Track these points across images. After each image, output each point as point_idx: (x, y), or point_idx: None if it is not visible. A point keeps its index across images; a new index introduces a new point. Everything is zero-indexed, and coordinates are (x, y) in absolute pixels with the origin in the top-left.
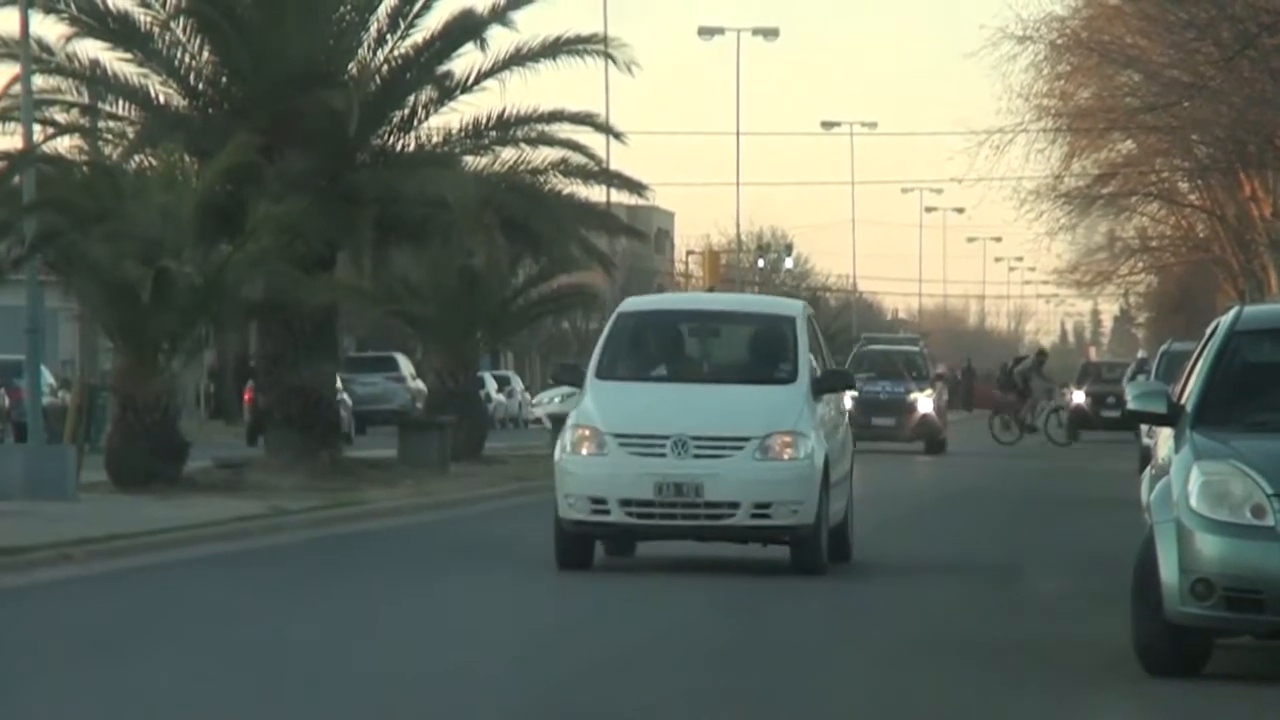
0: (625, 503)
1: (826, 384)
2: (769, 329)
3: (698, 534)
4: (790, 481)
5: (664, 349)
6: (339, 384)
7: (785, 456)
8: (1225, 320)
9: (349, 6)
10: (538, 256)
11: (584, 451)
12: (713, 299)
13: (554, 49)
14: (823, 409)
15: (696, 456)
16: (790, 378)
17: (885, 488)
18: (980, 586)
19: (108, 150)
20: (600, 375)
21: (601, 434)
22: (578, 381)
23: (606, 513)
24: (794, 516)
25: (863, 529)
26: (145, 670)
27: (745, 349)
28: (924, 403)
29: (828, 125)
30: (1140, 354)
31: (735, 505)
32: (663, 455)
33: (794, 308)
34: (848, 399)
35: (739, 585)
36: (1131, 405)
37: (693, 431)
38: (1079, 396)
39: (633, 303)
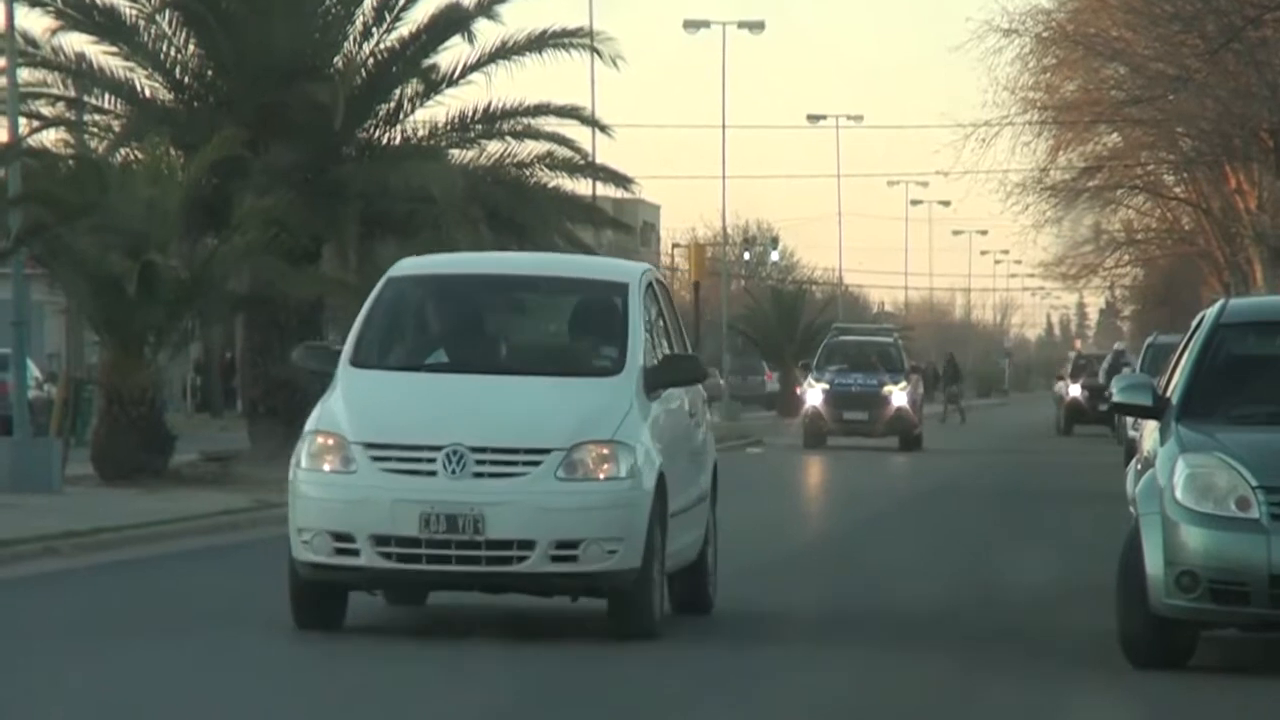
0: (379, 540)
1: (665, 376)
2: (592, 301)
3: (479, 583)
4: (606, 510)
5: (446, 327)
6: None
7: (600, 475)
8: (1210, 313)
9: (334, 0)
10: (523, 249)
11: (324, 468)
12: (518, 260)
13: (540, 42)
14: (660, 410)
15: (478, 476)
16: (615, 367)
17: (860, 485)
18: (962, 581)
19: (93, 144)
20: (356, 361)
21: (348, 444)
22: (328, 367)
23: (355, 553)
24: (611, 559)
25: (846, 529)
26: (130, 664)
27: (557, 328)
28: (898, 396)
29: (813, 118)
30: (1117, 345)
31: (529, 544)
32: (432, 474)
33: (628, 271)
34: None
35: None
36: (1117, 398)
37: (473, 440)
38: (1074, 390)
39: (408, 265)
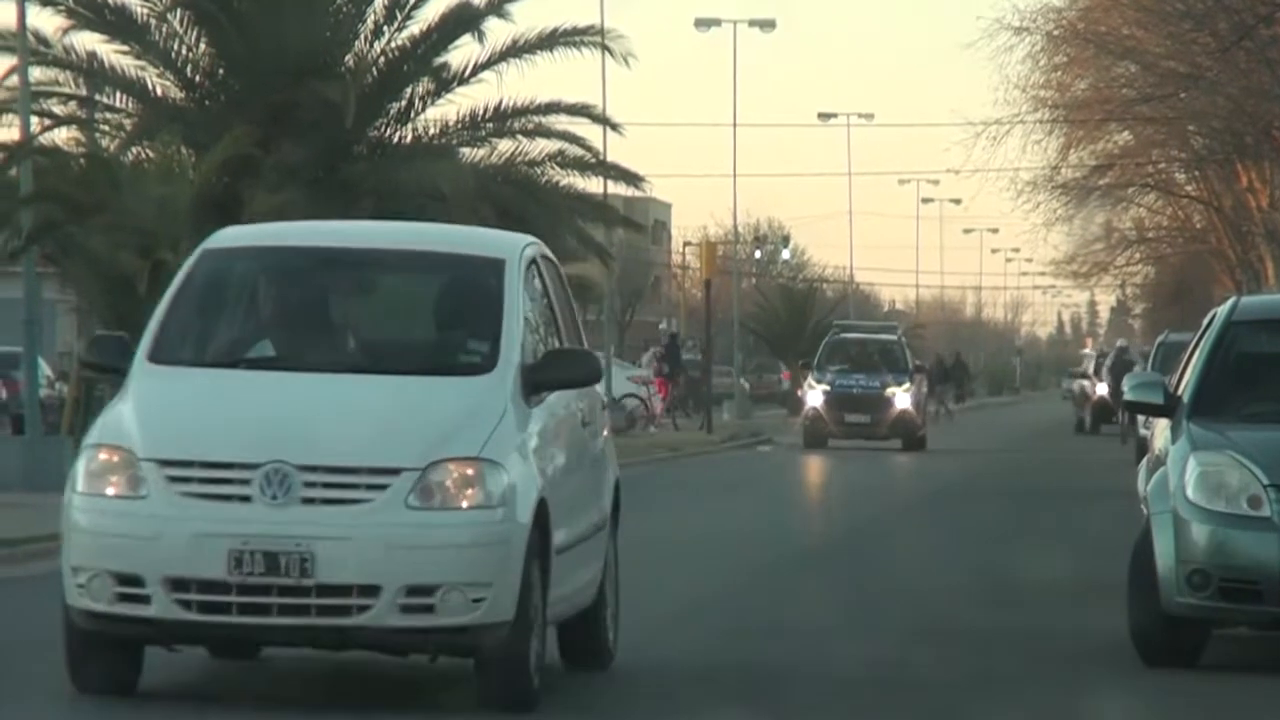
0: (176, 585)
1: (550, 375)
2: (458, 281)
3: (308, 639)
4: (470, 548)
5: (273, 313)
6: None
7: (463, 502)
8: (1222, 311)
9: None
10: None
11: (107, 491)
12: (367, 230)
13: (551, 41)
14: (544, 419)
15: (307, 503)
16: (486, 364)
17: (860, 485)
18: (974, 578)
19: (105, 142)
20: (156, 356)
21: (137, 461)
22: (119, 364)
23: (144, 600)
24: (476, 610)
25: (843, 529)
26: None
27: (415, 315)
28: (901, 398)
29: (824, 116)
30: (1120, 342)
31: (372, 590)
32: (246, 500)
33: (506, 245)
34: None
35: None
36: (1128, 396)
37: (301, 457)
38: (1101, 388)
39: (229, 235)
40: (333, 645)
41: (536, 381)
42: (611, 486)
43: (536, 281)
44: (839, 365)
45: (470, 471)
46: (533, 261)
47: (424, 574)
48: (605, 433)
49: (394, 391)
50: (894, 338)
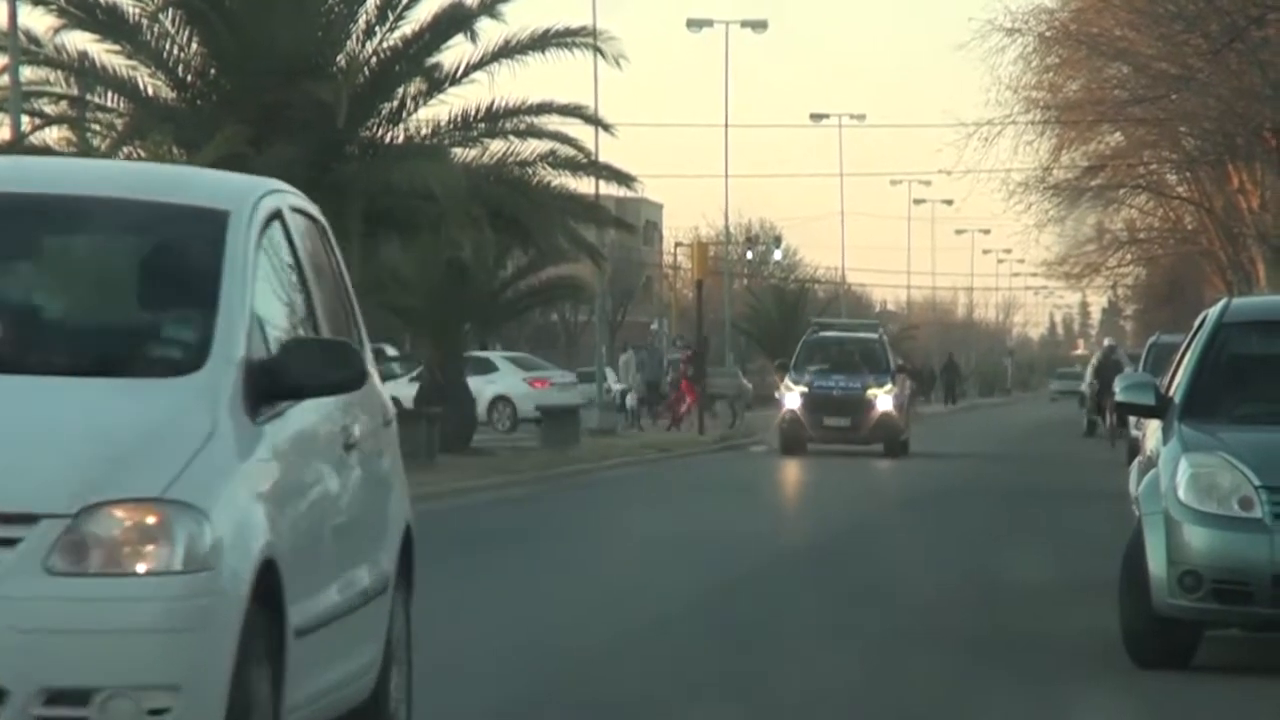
0: None
1: (288, 376)
2: (159, 242)
3: None
4: (145, 634)
5: None
6: None
7: (136, 565)
8: (1213, 312)
9: None
10: (526, 248)
11: None
12: (33, 168)
13: (543, 41)
14: (278, 440)
15: None
16: (189, 361)
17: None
18: (966, 579)
19: (96, 142)
20: None
21: None
22: None
23: None
24: None
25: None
26: None
27: (91, 289)
28: (883, 400)
29: (816, 117)
30: (1107, 341)
31: None
32: None
33: (233, 193)
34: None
35: None
36: (1120, 397)
37: None
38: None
39: None
40: None
41: (270, 386)
42: (399, 534)
43: (282, 243)
44: (818, 365)
45: (150, 520)
46: (275, 215)
47: (73, 673)
48: (389, 460)
49: (42, 401)
50: (875, 336)
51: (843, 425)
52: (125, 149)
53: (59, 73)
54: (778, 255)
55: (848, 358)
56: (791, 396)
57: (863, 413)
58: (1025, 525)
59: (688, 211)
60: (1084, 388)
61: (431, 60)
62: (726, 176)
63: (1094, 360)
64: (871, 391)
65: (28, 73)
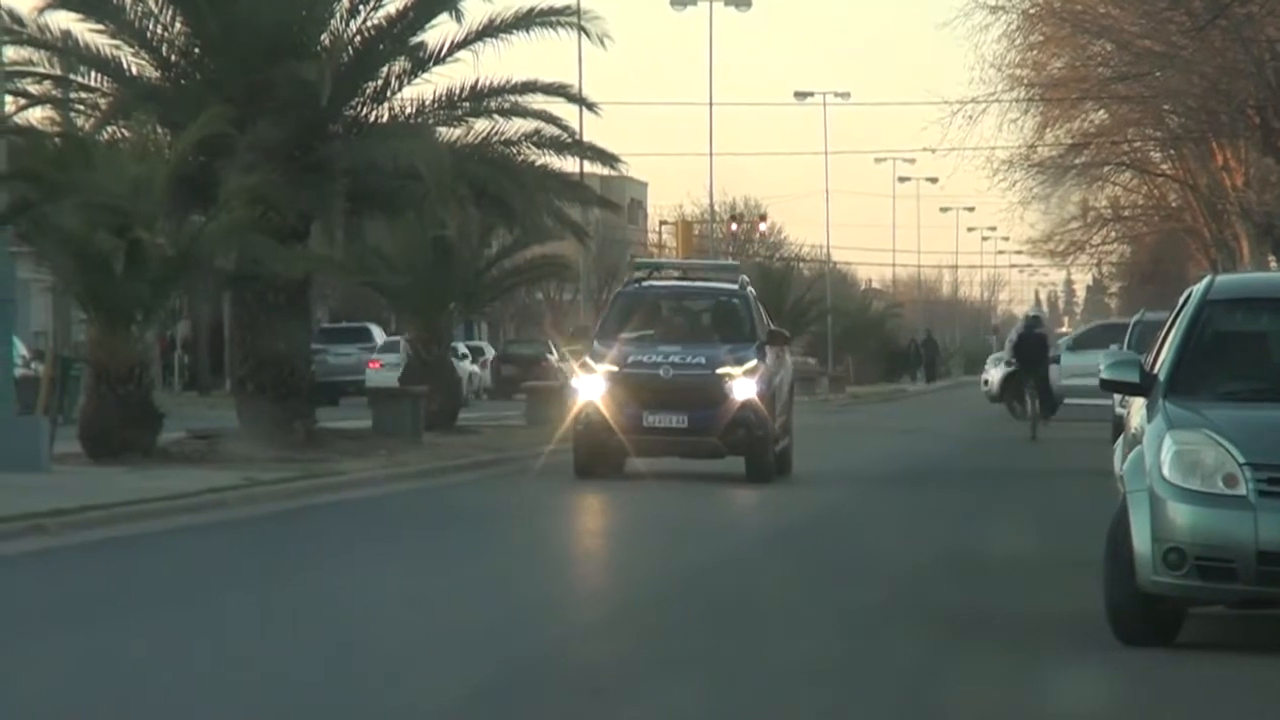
0: None
1: None
2: None
3: None
4: None
5: None
6: None
7: None
8: (1197, 290)
9: None
10: (511, 227)
11: None
12: None
13: (527, 20)
14: None
15: None
16: None
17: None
18: (950, 555)
19: (80, 122)
20: None
21: None
22: None
23: None
24: None
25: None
26: (117, 641)
27: None
28: (743, 385)
29: (801, 95)
30: (1030, 311)
31: None
32: None
33: None
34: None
35: None
36: (1104, 375)
37: None
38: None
39: None
40: None
41: None
42: None
43: None
44: (638, 331)
45: None
46: None
47: None
48: None
49: None
50: (734, 286)
51: (677, 427)
52: (109, 128)
53: (42, 52)
54: (763, 227)
55: (689, 320)
56: (592, 381)
57: (710, 405)
58: (1006, 501)
59: (672, 190)
60: (988, 376)
61: (416, 39)
62: (711, 155)
63: (1012, 335)
64: (725, 371)
65: (10, 52)
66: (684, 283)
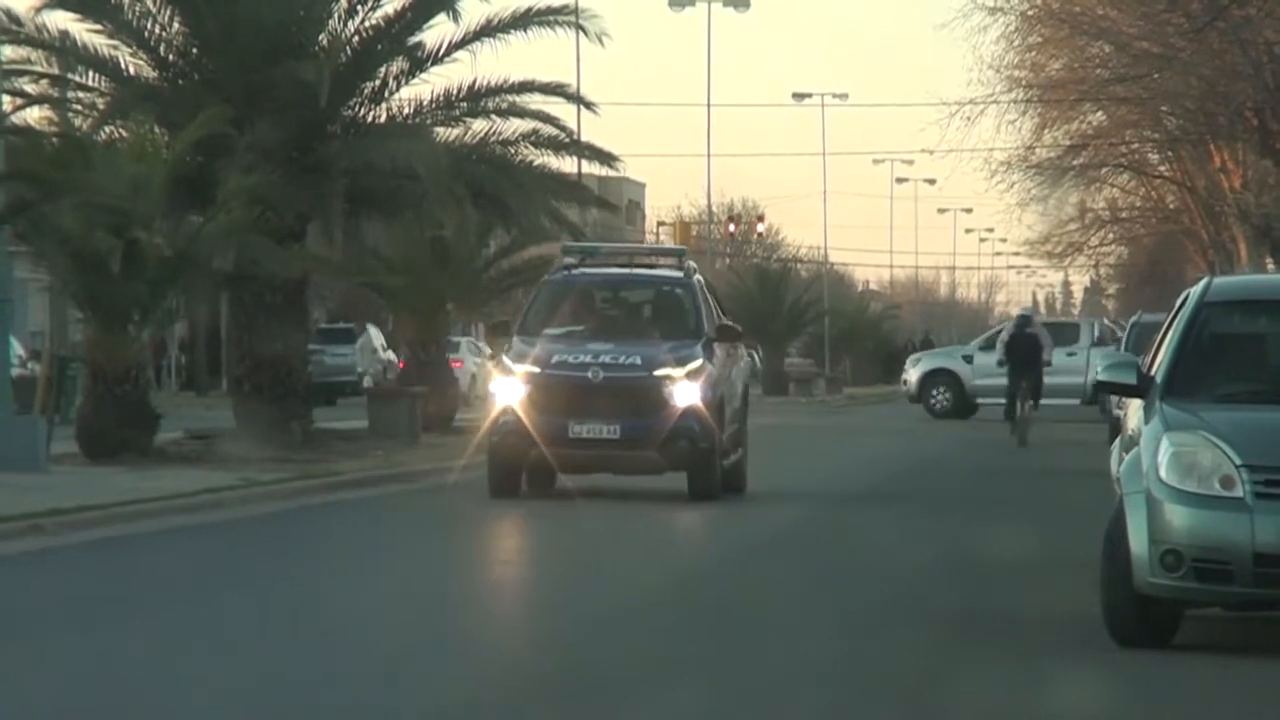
0: None
1: None
2: None
3: None
4: None
5: None
6: None
7: None
8: (1195, 291)
9: None
10: (509, 228)
11: None
12: None
13: (525, 20)
14: None
15: None
16: None
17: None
18: (947, 556)
19: (78, 121)
20: None
21: None
22: None
23: None
24: None
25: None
26: (114, 641)
27: None
28: (684, 389)
29: (799, 96)
30: (1023, 310)
31: None
32: None
33: None
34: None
35: None
36: (1101, 376)
37: None
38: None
39: None
40: None
41: None
42: None
43: None
44: (567, 327)
45: None
46: None
47: None
48: None
49: None
50: (678, 275)
51: (607, 437)
52: (107, 128)
53: (40, 52)
54: (761, 228)
55: (626, 313)
56: (509, 385)
57: (646, 413)
58: (1002, 501)
59: (670, 191)
60: (908, 376)
61: (414, 39)
62: (709, 155)
63: (1004, 335)
64: (664, 373)
65: (8, 52)
66: (619, 270)
